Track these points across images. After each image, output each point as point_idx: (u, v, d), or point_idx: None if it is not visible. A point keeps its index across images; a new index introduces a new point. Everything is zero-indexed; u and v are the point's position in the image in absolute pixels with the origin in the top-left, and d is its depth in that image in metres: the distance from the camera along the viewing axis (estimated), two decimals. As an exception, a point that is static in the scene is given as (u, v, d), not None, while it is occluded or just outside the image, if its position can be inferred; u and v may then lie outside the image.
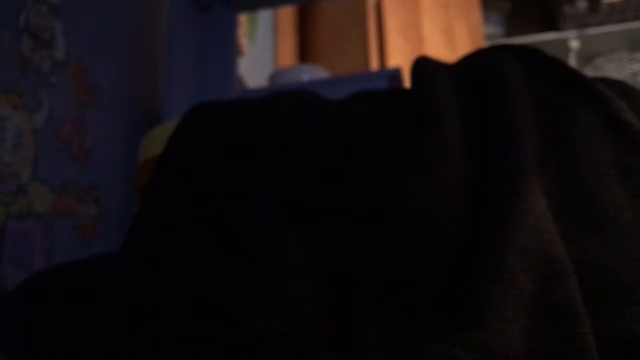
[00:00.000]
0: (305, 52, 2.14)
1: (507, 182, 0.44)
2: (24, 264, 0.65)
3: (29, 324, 0.32)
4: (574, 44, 2.41)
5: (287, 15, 2.08)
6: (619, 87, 0.55)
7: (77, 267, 0.36)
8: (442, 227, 0.42)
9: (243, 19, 1.63)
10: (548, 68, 0.55)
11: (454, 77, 0.56)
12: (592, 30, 2.40)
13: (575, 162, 0.47)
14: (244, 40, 1.61)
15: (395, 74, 1.07)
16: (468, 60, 0.60)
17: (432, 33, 2.04)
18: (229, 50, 1.12)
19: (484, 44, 2.18)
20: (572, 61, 2.42)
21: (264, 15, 1.89)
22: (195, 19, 1.11)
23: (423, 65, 0.57)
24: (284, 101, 0.60)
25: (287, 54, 2.02)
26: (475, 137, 0.49)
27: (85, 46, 0.81)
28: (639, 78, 2.38)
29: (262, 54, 1.82)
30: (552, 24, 2.53)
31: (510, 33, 2.60)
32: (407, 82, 0.82)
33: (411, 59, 0.59)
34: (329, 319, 0.38)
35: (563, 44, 2.43)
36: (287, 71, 1.53)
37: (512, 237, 0.40)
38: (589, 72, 2.44)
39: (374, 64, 1.92)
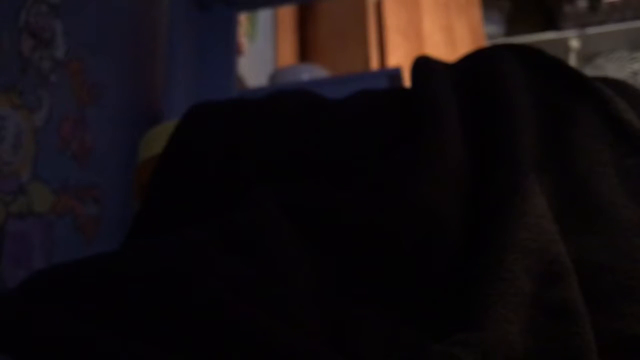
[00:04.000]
0: (306, 51, 2.14)
1: (507, 182, 0.44)
2: (24, 263, 0.65)
3: (29, 323, 0.32)
4: (574, 43, 2.41)
5: (287, 14, 2.08)
6: (619, 86, 0.55)
7: (77, 267, 0.36)
8: (441, 227, 0.42)
9: (243, 18, 1.63)
10: (548, 68, 0.55)
11: (454, 77, 0.56)
12: (592, 30, 2.40)
13: (576, 161, 0.47)
14: (244, 40, 1.61)
15: (395, 74, 1.07)
16: (468, 60, 0.60)
17: (432, 32, 2.04)
18: (229, 49, 1.12)
19: (484, 43, 2.17)
20: (573, 61, 2.42)
21: (264, 15, 1.89)
22: (195, 18, 1.11)
23: (423, 65, 0.57)
24: (283, 101, 0.60)
25: (287, 54, 2.02)
26: (475, 137, 0.49)
27: (85, 45, 0.80)
28: (639, 77, 2.38)
29: (262, 53, 1.82)
30: (552, 24, 2.53)
31: (510, 32, 2.60)
32: (407, 82, 0.82)
33: (411, 59, 0.59)
34: (329, 319, 0.38)
35: (563, 43, 2.43)
36: (287, 70, 1.53)
37: (512, 236, 0.40)
38: (589, 71, 2.44)
39: (374, 64, 1.92)
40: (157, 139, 0.61)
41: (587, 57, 2.51)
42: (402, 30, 2.01)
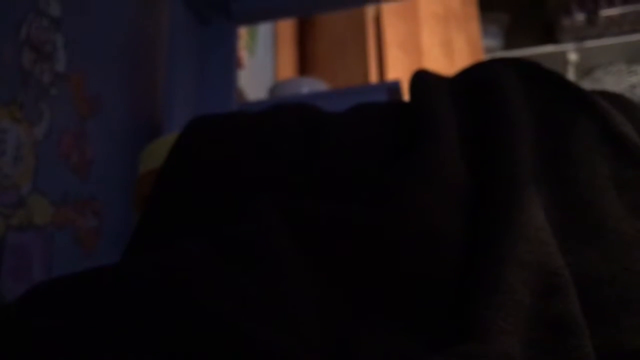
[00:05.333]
0: (305, 64, 2.15)
1: (505, 194, 0.44)
2: (24, 276, 0.65)
3: (29, 336, 0.32)
4: (573, 56, 2.43)
5: (286, 28, 2.09)
6: (617, 99, 0.55)
7: (78, 279, 0.36)
8: (440, 241, 0.42)
9: (243, 31, 1.63)
10: (546, 81, 0.56)
11: (453, 90, 0.56)
12: (590, 43, 2.41)
13: (574, 174, 0.47)
14: (244, 53, 1.62)
15: (395, 87, 1.08)
16: (467, 73, 0.60)
17: (431, 46, 2.05)
18: (229, 62, 1.12)
19: (482, 57, 2.19)
20: (571, 74, 2.44)
21: (264, 28, 1.90)
22: (196, 32, 1.11)
23: (422, 78, 0.57)
24: (283, 114, 0.60)
25: (287, 67, 2.03)
26: (474, 150, 0.49)
27: (86, 58, 0.81)
28: (637, 90, 2.39)
29: (262, 66, 1.83)
30: (550, 37, 2.55)
31: (509, 46, 2.62)
32: (406, 95, 0.82)
33: (410, 72, 0.59)
34: (330, 331, 0.38)
35: (561, 56, 2.44)
36: (286, 84, 1.54)
37: (511, 249, 0.40)
38: (588, 84, 2.45)
39: (373, 77, 1.92)
40: (157, 152, 0.62)
41: (585, 70, 2.52)
42: (401, 44, 2.02)
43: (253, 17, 1.21)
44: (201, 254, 0.39)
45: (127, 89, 0.93)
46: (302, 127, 0.57)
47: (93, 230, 0.80)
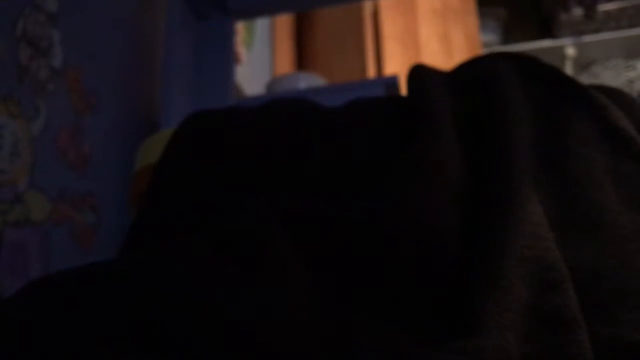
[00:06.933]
0: (303, 59, 2.14)
1: (503, 190, 0.44)
2: (21, 272, 0.65)
3: (26, 332, 0.32)
4: (570, 51, 2.42)
5: (284, 23, 2.08)
6: (614, 94, 0.55)
7: (74, 275, 0.36)
8: (439, 236, 0.42)
9: (240, 26, 1.63)
10: (544, 76, 0.56)
11: (451, 85, 0.56)
12: (588, 38, 2.41)
13: (572, 169, 0.47)
14: (241, 48, 1.61)
15: (392, 82, 1.08)
16: (464, 68, 0.60)
17: (428, 41, 2.05)
18: (227, 57, 1.12)
19: (480, 51, 2.18)
20: (569, 68, 2.43)
21: (262, 23, 1.89)
22: (193, 27, 1.11)
23: (420, 73, 0.57)
24: (281, 109, 0.60)
25: (285, 62, 2.02)
26: (472, 145, 0.49)
27: (83, 54, 0.81)
28: (635, 85, 2.39)
29: (259, 61, 1.82)
30: (548, 32, 2.54)
31: (506, 40, 2.61)
32: (404, 90, 0.82)
33: (408, 67, 0.59)
34: (328, 327, 0.38)
35: (559, 51, 2.43)
36: (284, 79, 1.54)
37: (509, 244, 0.40)
38: (585, 79, 2.45)
39: (371, 72, 1.92)
40: (154, 148, 0.61)
41: (583, 64, 2.52)
42: (398, 39, 2.02)
43: (250, 12, 1.21)
44: (198, 252, 0.39)
45: (125, 84, 0.93)
46: (299, 122, 0.57)
47: (90, 226, 0.80)
